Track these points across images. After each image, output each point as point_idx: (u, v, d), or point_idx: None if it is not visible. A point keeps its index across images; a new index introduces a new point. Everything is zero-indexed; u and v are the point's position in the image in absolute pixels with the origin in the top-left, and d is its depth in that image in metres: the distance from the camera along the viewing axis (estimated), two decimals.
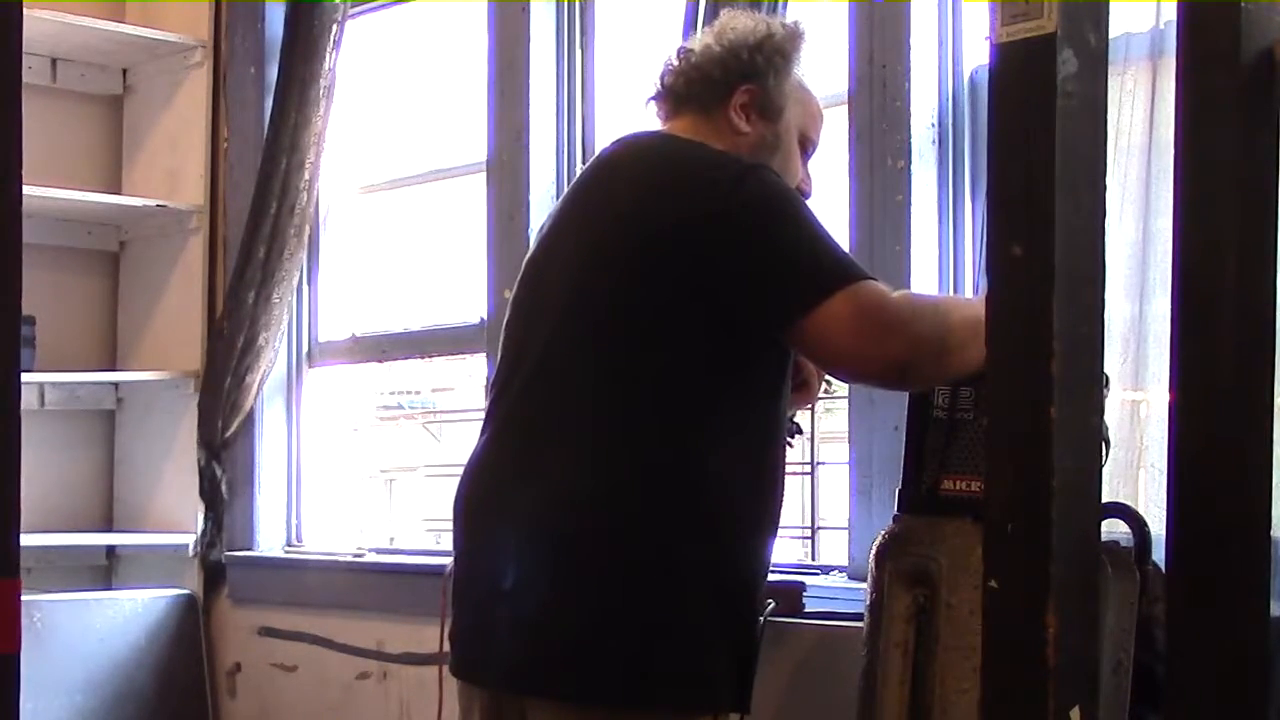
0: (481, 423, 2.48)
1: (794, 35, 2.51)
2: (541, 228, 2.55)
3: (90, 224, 4.57)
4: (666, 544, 2.23)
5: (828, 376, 2.66)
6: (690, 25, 3.26)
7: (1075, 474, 1.82)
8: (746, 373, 2.30)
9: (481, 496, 2.40)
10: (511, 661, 2.29)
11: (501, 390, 2.42)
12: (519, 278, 2.50)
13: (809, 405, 2.81)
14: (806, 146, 2.54)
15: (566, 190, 2.56)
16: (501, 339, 2.50)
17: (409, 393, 8.08)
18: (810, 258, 2.24)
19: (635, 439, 2.25)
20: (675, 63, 2.50)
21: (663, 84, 2.51)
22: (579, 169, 3.59)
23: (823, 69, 3.22)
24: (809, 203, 2.43)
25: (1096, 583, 1.93)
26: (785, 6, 3.15)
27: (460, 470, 2.47)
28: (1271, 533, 1.88)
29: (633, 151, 2.47)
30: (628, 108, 2.68)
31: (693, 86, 2.47)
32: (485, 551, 2.36)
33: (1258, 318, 1.83)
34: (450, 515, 2.47)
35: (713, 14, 3.20)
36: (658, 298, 2.26)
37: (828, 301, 2.19)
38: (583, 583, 2.24)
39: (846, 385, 3.09)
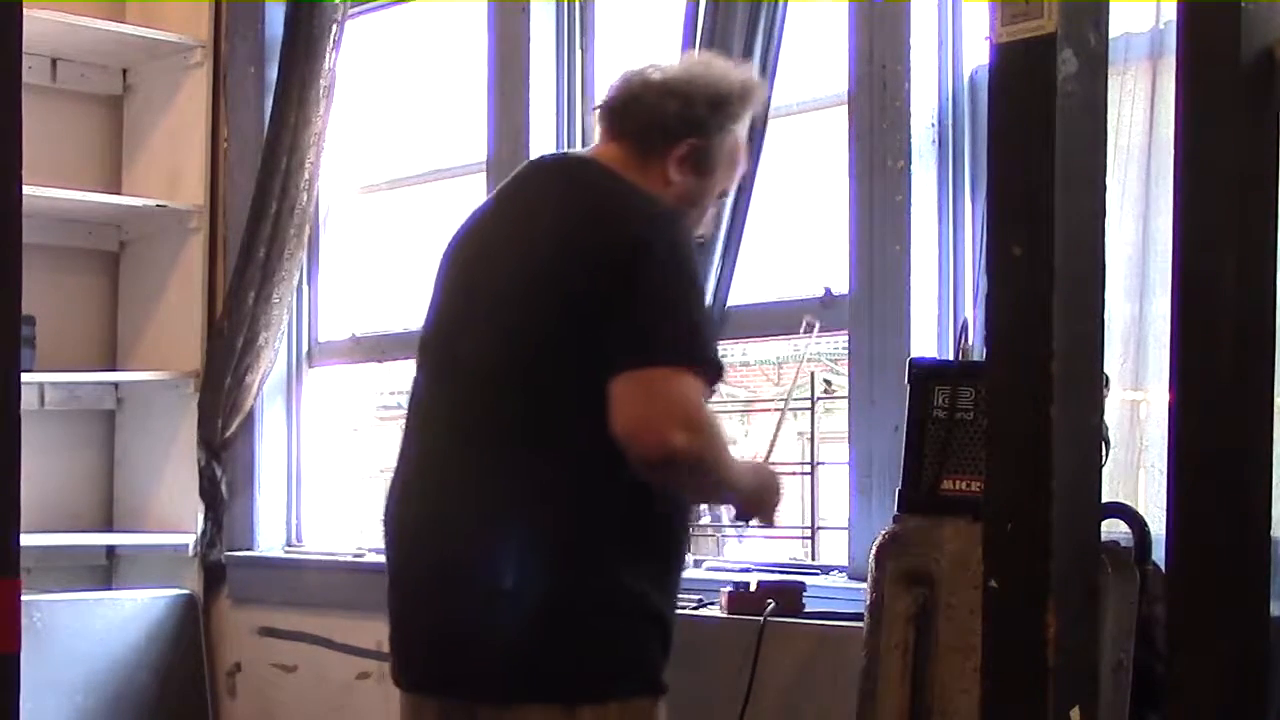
0: (403, 435, 2.51)
1: (746, 96, 2.52)
2: (458, 236, 2.55)
3: (90, 224, 4.57)
4: (598, 549, 2.30)
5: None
6: (690, 25, 3.26)
7: (1075, 474, 1.83)
8: None
9: (416, 512, 2.45)
10: (460, 670, 2.35)
11: (430, 404, 2.48)
12: (435, 287, 2.53)
13: None
14: (723, 197, 2.63)
15: (492, 200, 2.57)
16: (419, 352, 2.53)
17: (409, 393, 8.06)
18: (676, 324, 2.28)
19: (557, 451, 2.31)
20: (633, 88, 2.52)
21: (614, 102, 2.53)
22: None
23: (823, 69, 3.24)
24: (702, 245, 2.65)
25: (1096, 583, 1.93)
26: (785, 7, 3.16)
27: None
28: (1271, 533, 1.89)
29: (560, 179, 2.49)
30: None
31: (642, 125, 2.49)
32: (425, 565, 2.41)
33: (1258, 318, 1.84)
34: (382, 529, 2.51)
35: (712, 14, 3.20)
36: (570, 323, 2.30)
37: (666, 368, 2.24)
38: (523, 591, 2.29)
39: (846, 386, 3.10)
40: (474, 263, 2.48)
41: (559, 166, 2.55)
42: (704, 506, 3.01)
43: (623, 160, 2.47)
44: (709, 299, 3.19)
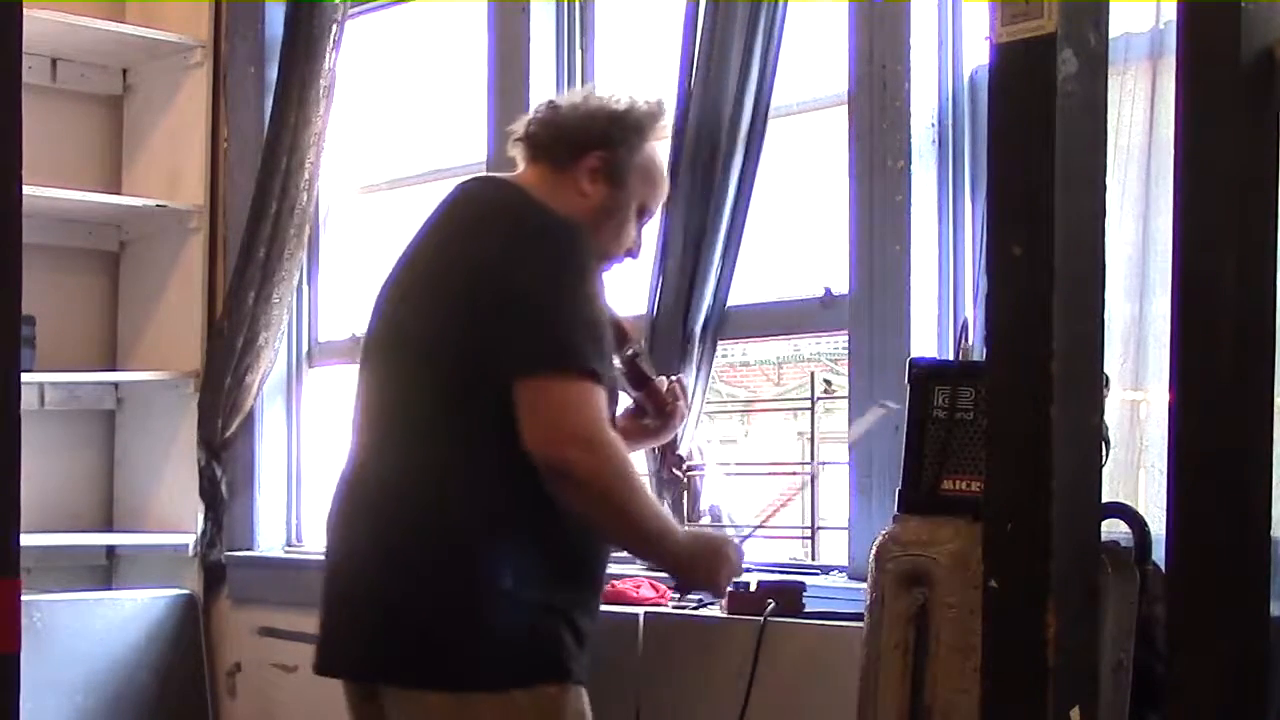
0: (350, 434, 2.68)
1: (653, 114, 2.69)
2: (400, 257, 2.68)
3: (90, 224, 4.57)
4: (503, 544, 2.44)
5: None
6: (690, 25, 3.26)
7: (1075, 474, 1.83)
8: None
9: (348, 507, 2.61)
10: (371, 656, 2.51)
11: (366, 403, 2.65)
12: (374, 305, 2.68)
13: (663, 440, 3.02)
14: (643, 214, 2.73)
15: (424, 223, 2.69)
16: (362, 354, 2.68)
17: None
18: (573, 330, 2.41)
19: (464, 451, 2.46)
20: (542, 113, 2.71)
21: (527, 131, 2.71)
22: None
23: (823, 69, 3.24)
24: (632, 261, 2.76)
25: (1096, 583, 1.93)
26: (785, 7, 3.16)
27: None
28: (1271, 533, 1.89)
29: (477, 204, 2.64)
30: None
31: (552, 143, 2.67)
32: (350, 555, 2.57)
33: (1258, 318, 1.84)
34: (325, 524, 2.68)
35: (712, 14, 3.20)
36: (474, 335, 2.45)
37: (560, 375, 2.39)
38: (429, 582, 2.44)
39: (846, 386, 3.11)
40: (404, 277, 2.64)
41: (474, 188, 2.71)
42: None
43: (537, 180, 2.65)
44: (711, 300, 3.21)
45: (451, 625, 2.43)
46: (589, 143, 2.64)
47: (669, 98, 2.80)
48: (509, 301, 2.43)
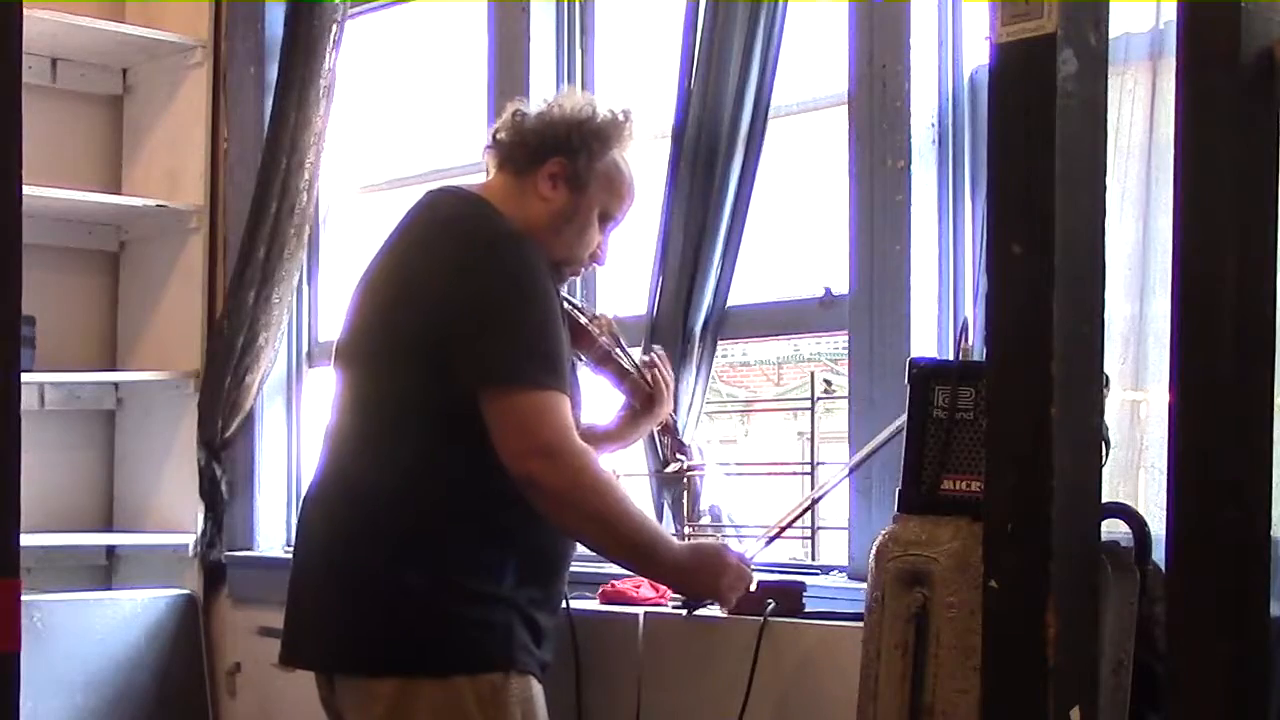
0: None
1: (616, 124, 2.75)
2: (370, 263, 2.77)
3: (90, 224, 4.57)
4: (456, 541, 2.53)
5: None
6: (690, 25, 3.26)
7: (1075, 474, 1.83)
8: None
9: (314, 507, 2.73)
10: (320, 645, 2.64)
11: (336, 403, 2.74)
12: (347, 308, 2.77)
13: (656, 423, 3.05)
14: (607, 221, 2.78)
15: (393, 230, 2.77)
16: (334, 358, 2.77)
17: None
18: (524, 344, 2.50)
19: (411, 452, 2.55)
20: (510, 121, 2.78)
21: (494, 138, 2.79)
22: None
23: (823, 69, 3.24)
24: (601, 270, 2.89)
25: (1096, 583, 1.93)
26: (785, 7, 3.16)
27: None
28: (1271, 533, 1.89)
29: (436, 217, 2.71)
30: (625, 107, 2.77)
31: (515, 149, 2.75)
32: (310, 550, 2.72)
33: (1258, 318, 1.84)
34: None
35: (712, 14, 3.21)
36: (432, 349, 2.53)
37: (515, 389, 2.47)
38: (375, 573, 2.55)
39: (846, 386, 3.11)
40: (372, 283, 2.72)
41: (437, 199, 2.76)
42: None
43: (501, 186, 2.74)
44: (711, 300, 3.22)
45: (400, 614, 2.51)
46: (550, 149, 2.71)
47: (668, 98, 2.81)
48: (461, 317, 2.51)
